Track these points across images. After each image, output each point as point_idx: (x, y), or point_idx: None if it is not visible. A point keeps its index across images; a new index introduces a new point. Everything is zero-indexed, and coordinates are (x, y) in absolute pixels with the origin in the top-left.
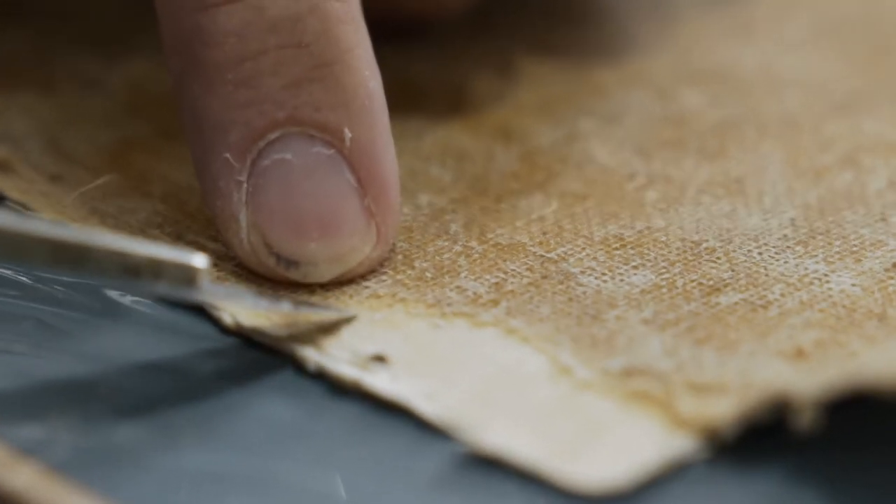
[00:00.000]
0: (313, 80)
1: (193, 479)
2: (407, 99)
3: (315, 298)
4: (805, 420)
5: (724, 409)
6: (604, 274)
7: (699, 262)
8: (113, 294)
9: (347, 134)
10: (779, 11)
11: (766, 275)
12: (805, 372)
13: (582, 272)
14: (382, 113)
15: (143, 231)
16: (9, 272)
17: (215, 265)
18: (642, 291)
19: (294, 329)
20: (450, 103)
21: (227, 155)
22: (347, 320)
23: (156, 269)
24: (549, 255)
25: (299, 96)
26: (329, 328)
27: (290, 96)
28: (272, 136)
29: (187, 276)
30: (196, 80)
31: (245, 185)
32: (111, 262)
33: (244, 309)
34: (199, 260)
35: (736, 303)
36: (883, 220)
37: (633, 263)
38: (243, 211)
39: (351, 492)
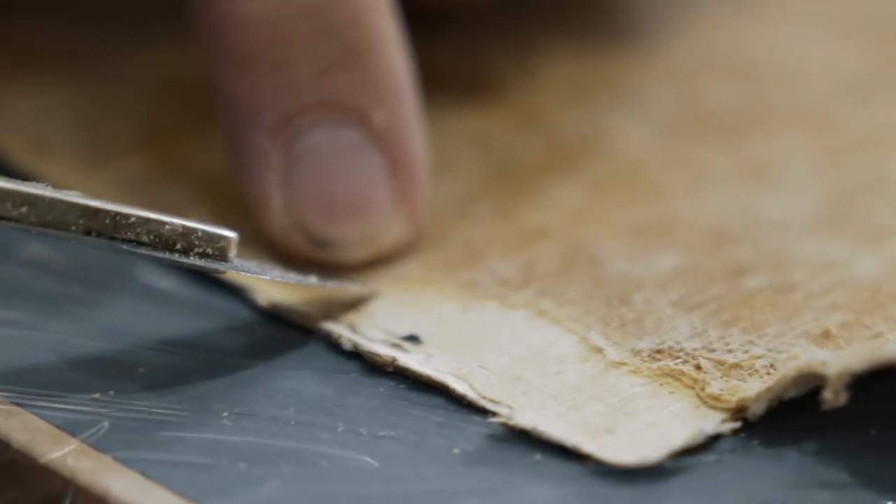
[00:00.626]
0: (344, 66)
1: (231, 453)
2: (430, 85)
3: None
4: (834, 396)
5: (753, 386)
6: (630, 257)
7: (724, 246)
8: (149, 277)
9: (377, 118)
10: (801, 2)
11: (790, 259)
12: (832, 351)
13: (609, 255)
14: (412, 97)
15: (176, 210)
16: (48, 255)
17: (247, 246)
18: (669, 274)
19: (328, 309)
20: (473, 90)
21: (260, 138)
22: (371, 295)
23: (188, 240)
24: (576, 239)
25: (329, 81)
26: (362, 309)
27: (320, 81)
28: (303, 120)
29: (218, 248)
30: (228, 66)
31: (277, 168)
32: (145, 232)
33: (272, 281)
34: (230, 233)
35: (761, 285)
36: None
37: (659, 247)
38: (275, 193)
39: (384, 465)
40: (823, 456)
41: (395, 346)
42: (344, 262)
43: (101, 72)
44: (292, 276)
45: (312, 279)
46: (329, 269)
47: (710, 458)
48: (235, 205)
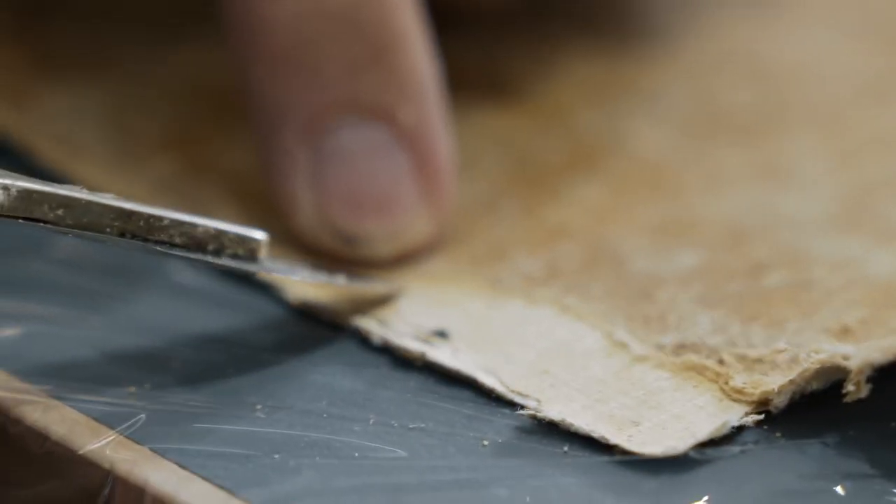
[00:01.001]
0: (371, 66)
1: (265, 444)
2: (452, 85)
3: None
4: (856, 389)
5: (775, 380)
6: (652, 255)
7: (742, 244)
8: (180, 274)
9: (404, 117)
10: (816, 4)
11: (808, 256)
12: (853, 346)
13: (631, 253)
14: (438, 97)
15: (205, 210)
16: (81, 253)
17: (275, 244)
18: (690, 272)
19: (357, 306)
20: (494, 89)
21: (289, 138)
22: (397, 294)
23: (220, 241)
24: (599, 237)
25: (358, 81)
26: (390, 305)
27: (348, 80)
28: (331, 118)
29: (249, 249)
30: (258, 66)
31: (305, 166)
32: (178, 234)
33: (301, 281)
34: (260, 234)
35: (780, 283)
36: None
37: (680, 245)
38: (303, 190)
39: (415, 457)
40: (845, 447)
41: (424, 340)
42: (371, 259)
43: (131, 73)
44: (321, 277)
45: (340, 279)
46: (357, 265)
47: (734, 449)
48: (264, 203)
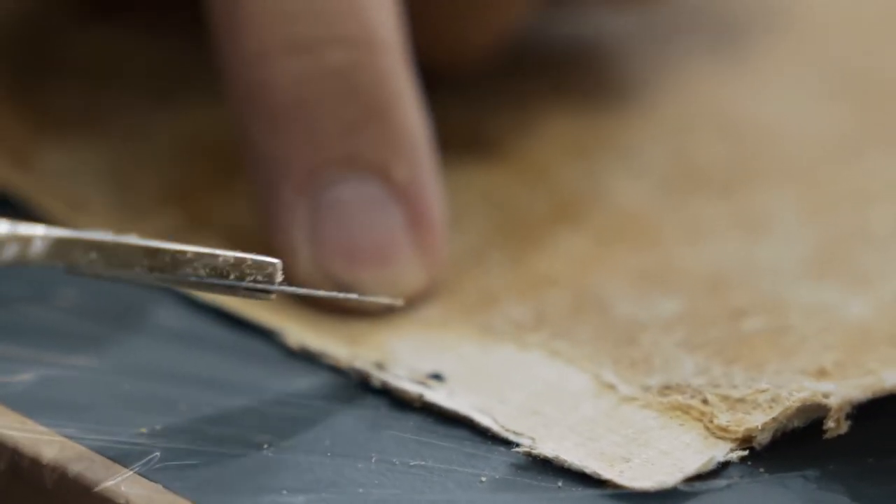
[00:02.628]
0: (367, 124)
1: (274, 481)
2: (437, 142)
3: (369, 324)
4: (836, 425)
5: (757, 418)
6: (636, 302)
7: (722, 291)
8: (181, 319)
9: (398, 173)
10: (780, 61)
11: (785, 302)
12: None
13: (616, 301)
14: (430, 153)
15: None
16: (87, 302)
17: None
18: (672, 317)
19: (356, 349)
20: (477, 147)
21: (287, 192)
22: (396, 307)
23: (240, 269)
24: (584, 285)
25: (354, 138)
26: (388, 350)
27: (345, 138)
28: (329, 174)
29: (267, 274)
30: (257, 124)
31: (303, 220)
32: (201, 265)
33: (348, 334)
34: (275, 260)
35: (759, 328)
36: (891, 254)
37: (662, 292)
38: (302, 243)
39: (417, 493)
40: (825, 482)
41: (421, 383)
42: (367, 308)
43: (130, 129)
44: (334, 294)
45: (353, 294)
46: (353, 314)
47: (720, 483)
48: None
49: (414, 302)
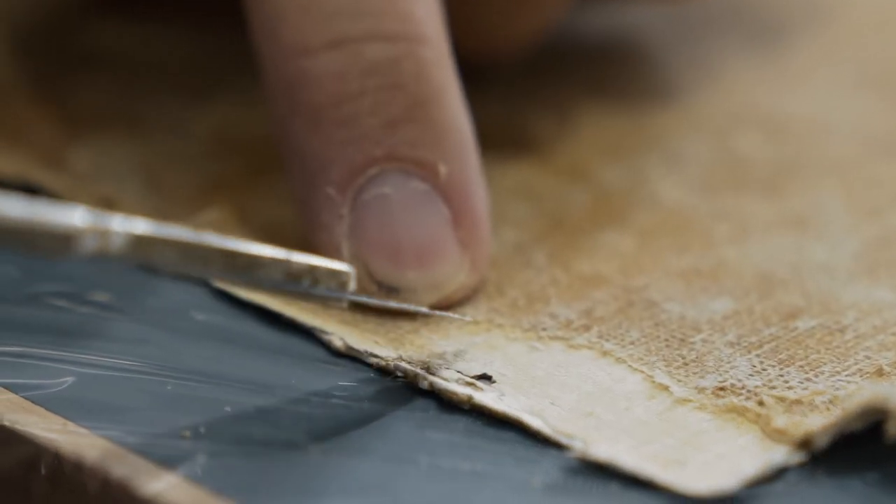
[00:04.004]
0: (409, 120)
1: (322, 485)
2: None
3: (415, 325)
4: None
5: (815, 421)
6: (685, 301)
7: (773, 291)
8: (221, 320)
9: (442, 169)
10: (818, 57)
11: (838, 302)
12: (887, 387)
13: (664, 300)
14: (473, 150)
15: None
16: (126, 298)
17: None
18: (723, 317)
19: (402, 350)
20: (514, 145)
21: (330, 190)
22: (468, 324)
23: (314, 275)
24: (631, 285)
25: (396, 134)
26: (434, 350)
27: (387, 134)
28: (371, 171)
29: (340, 281)
30: (298, 121)
31: (346, 218)
32: (277, 269)
33: (394, 334)
34: (348, 267)
35: (813, 327)
36: None
37: (712, 292)
38: (345, 242)
39: (469, 497)
40: (885, 485)
41: (469, 384)
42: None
43: (163, 126)
44: (407, 305)
45: (423, 308)
46: (397, 315)
47: (777, 488)
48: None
49: (459, 302)
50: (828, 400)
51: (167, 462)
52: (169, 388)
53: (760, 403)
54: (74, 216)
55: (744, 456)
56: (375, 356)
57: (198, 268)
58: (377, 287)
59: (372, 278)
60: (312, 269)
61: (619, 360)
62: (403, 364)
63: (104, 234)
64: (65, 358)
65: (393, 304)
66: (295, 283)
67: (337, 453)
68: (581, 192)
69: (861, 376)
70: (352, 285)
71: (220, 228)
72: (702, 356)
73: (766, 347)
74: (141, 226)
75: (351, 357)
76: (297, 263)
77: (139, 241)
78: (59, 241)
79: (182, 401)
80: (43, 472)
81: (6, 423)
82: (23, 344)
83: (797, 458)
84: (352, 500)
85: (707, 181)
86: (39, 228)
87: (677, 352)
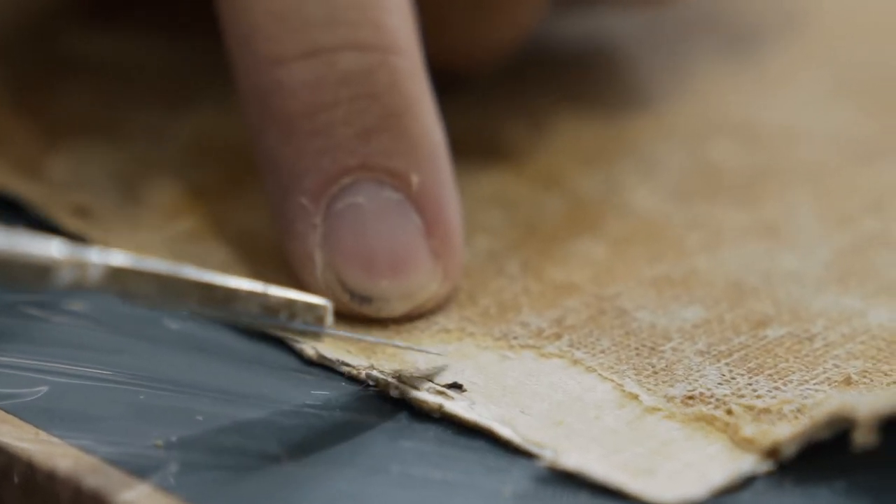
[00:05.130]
0: (383, 130)
1: (294, 494)
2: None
3: (388, 333)
4: (864, 438)
5: (783, 430)
6: (656, 310)
7: (744, 299)
8: (195, 329)
9: (415, 179)
10: (793, 63)
11: (808, 310)
12: (855, 396)
13: (636, 308)
14: (446, 159)
15: (224, 271)
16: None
17: None
18: (694, 326)
19: (374, 359)
20: (489, 152)
21: (303, 199)
22: (439, 358)
23: (291, 309)
24: (603, 293)
25: (370, 144)
26: (406, 359)
27: (361, 144)
28: (345, 181)
29: (317, 316)
30: (272, 130)
31: (320, 228)
32: (254, 302)
33: (365, 344)
34: (325, 301)
35: (782, 336)
36: None
37: (683, 300)
38: (318, 251)
39: None
40: (853, 494)
41: (440, 393)
42: (385, 317)
43: (139, 135)
44: (382, 340)
45: (398, 342)
46: (371, 323)
47: (745, 497)
48: (277, 263)
49: (431, 311)
50: (796, 409)
51: (140, 472)
52: (142, 397)
53: (729, 412)
54: (52, 248)
55: (712, 465)
56: (347, 365)
57: (174, 301)
58: (350, 296)
59: (344, 287)
60: (290, 303)
61: (590, 369)
62: (375, 373)
63: (82, 266)
64: (38, 367)
65: (371, 338)
66: (272, 316)
67: (309, 463)
68: (555, 199)
69: (829, 385)
70: (328, 320)
71: (196, 237)
72: (671, 365)
73: (735, 356)
74: (118, 258)
75: (323, 366)
76: (274, 297)
77: (116, 274)
78: (37, 273)
79: (155, 410)
80: (15, 480)
81: None
82: None
83: (765, 466)
84: None
85: (681, 189)
86: (17, 261)
87: (647, 360)
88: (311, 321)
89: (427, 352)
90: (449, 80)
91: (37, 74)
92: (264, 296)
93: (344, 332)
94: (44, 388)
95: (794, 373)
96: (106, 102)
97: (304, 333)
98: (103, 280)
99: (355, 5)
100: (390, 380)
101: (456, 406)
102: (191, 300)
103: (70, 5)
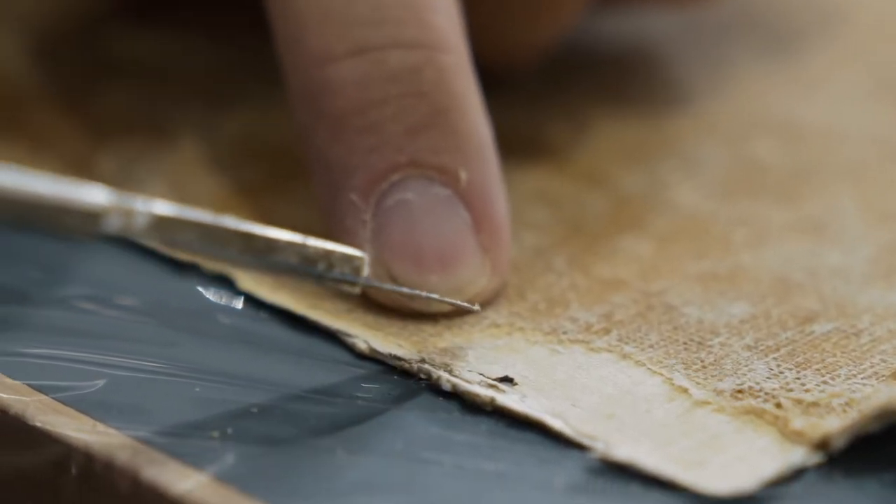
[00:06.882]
0: (431, 126)
1: (347, 486)
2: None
3: (438, 328)
4: None
5: (832, 423)
6: (703, 306)
7: (790, 295)
8: (248, 323)
9: (463, 175)
10: (832, 63)
11: (854, 306)
12: None
13: (683, 304)
14: (493, 155)
15: None
16: (153, 301)
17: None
18: (741, 321)
19: (425, 353)
20: (532, 150)
21: (353, 196)
22: (471, 310)
23: (329, 260)
24: (650, 289)
25: (418, 141)
26: (457, 353)
27: (410, 141)
28: (394, 178)
29: (354, 267)
30: (322, 128)
31: (369, 224)
32: (293, 252)
33: (385, 302)
34: (362, 253)
35: (829, 331)
36: None
37: (729, 296)
38: (368, 247)
39: (492, 497)
40: None
41: (492, 386)
42: (434, 312)
43: (186, 134)
44: (415, 292)
45: (435, 295)
46: (420, 318)
47: (795, 488)
48: None
49: (481, 305)
50: (844, 402)
51: (196, 463)
52: (197, 389)
53: (778, 406)
54: (100, 195)
55: (762, 457)
56: (399, 359)
57: (216, 249)
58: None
59: (395, 282)
60: (328, 254)
61: (639, 363)
62: (426, 366)
63: (128, 213)
64: (95, 360)
65: (405, 289)
66: (310, 266)
67: (362, 453)
68: (599, 197)
69: (877, 379)
70: (365, 270)
71: None
72: (720, 359)
73: (783, 351)
74: (163, 207)
75: (375, 360)
76: (312, 247)
77: (161, 222)
78: (87, 220)
79: (210, 402)
80: (73, 472)
81: (37, 424)
82: (53, 346)
83: (815, 459)
84: (377, 499)
85: (724, 187)
86: (68, 206)
87: (696, 355)
88: (349, 272)
89: (463, 306)
90: (492, 79)
91: (86, 76)
92: (303, 246)
93: (378, 283)
94: (101, 381)
95: (841, 367)
96: (153, 102)
97: (341, 283)
98: (149, 227)
99: (402, 4)
100: (442, 373)
101: (507, 399)
102: (232, 249)
103: (116, 9)
